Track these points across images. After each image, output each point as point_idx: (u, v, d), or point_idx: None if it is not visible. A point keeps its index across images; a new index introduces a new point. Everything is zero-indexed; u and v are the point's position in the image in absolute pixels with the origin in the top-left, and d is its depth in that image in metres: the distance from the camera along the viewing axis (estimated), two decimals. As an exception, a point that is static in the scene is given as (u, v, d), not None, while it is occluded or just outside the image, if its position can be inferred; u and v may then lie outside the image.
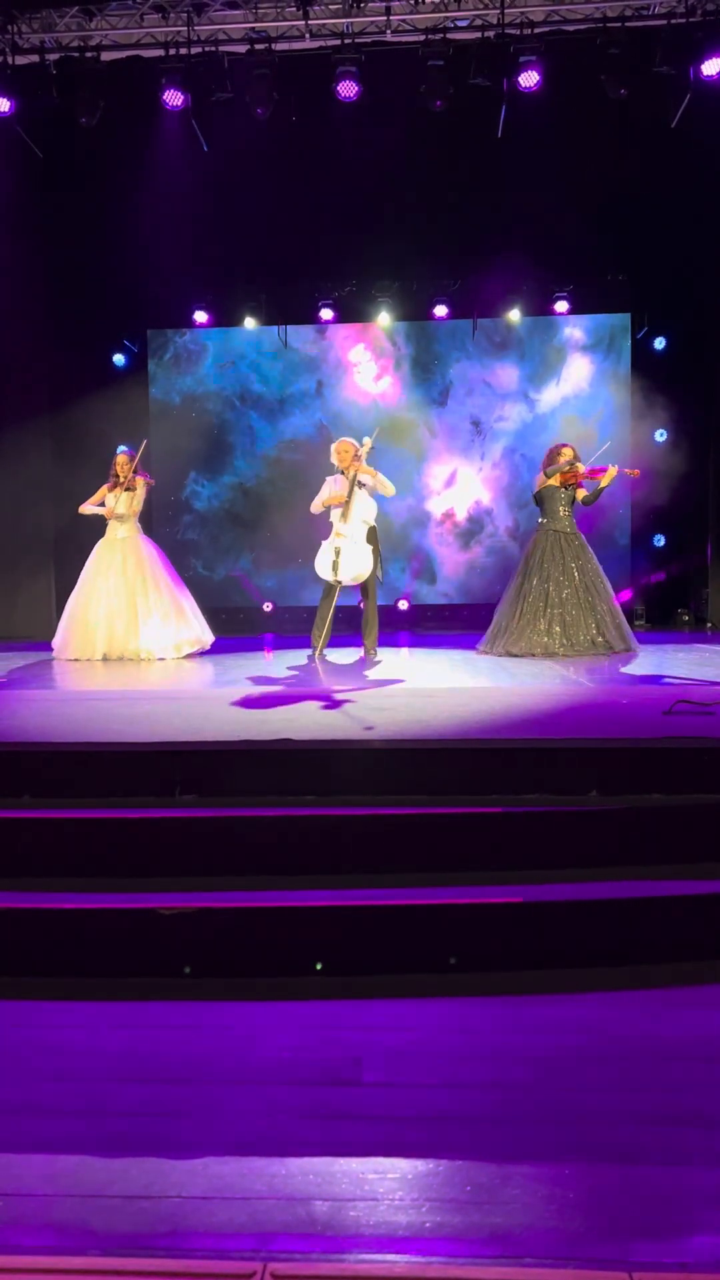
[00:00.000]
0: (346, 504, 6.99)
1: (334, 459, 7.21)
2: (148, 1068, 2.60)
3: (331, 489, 7.18)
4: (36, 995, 2.99)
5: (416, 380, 10.74)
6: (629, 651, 7.22)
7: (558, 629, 7.18)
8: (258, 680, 6.16)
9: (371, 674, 6.40)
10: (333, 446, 7.29)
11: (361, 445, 7.02)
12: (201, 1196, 2.07)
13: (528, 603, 7.30)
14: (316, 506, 7.24)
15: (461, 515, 10.78)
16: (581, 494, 7.45)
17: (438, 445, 10.76)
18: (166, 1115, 2.38)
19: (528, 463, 10.51)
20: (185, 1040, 2.74)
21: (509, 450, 10.66)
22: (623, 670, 6.36)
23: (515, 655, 7.13)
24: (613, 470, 7.33)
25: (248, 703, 5.04)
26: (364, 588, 7.27)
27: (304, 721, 4.38)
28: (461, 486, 10.78)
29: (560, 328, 10.54)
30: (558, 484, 7.40)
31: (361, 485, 7.05)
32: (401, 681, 5.96)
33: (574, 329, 10.52)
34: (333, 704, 4.94)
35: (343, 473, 7.11)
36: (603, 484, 7.38)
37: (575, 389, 10.53)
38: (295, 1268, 1.86)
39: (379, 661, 7.23)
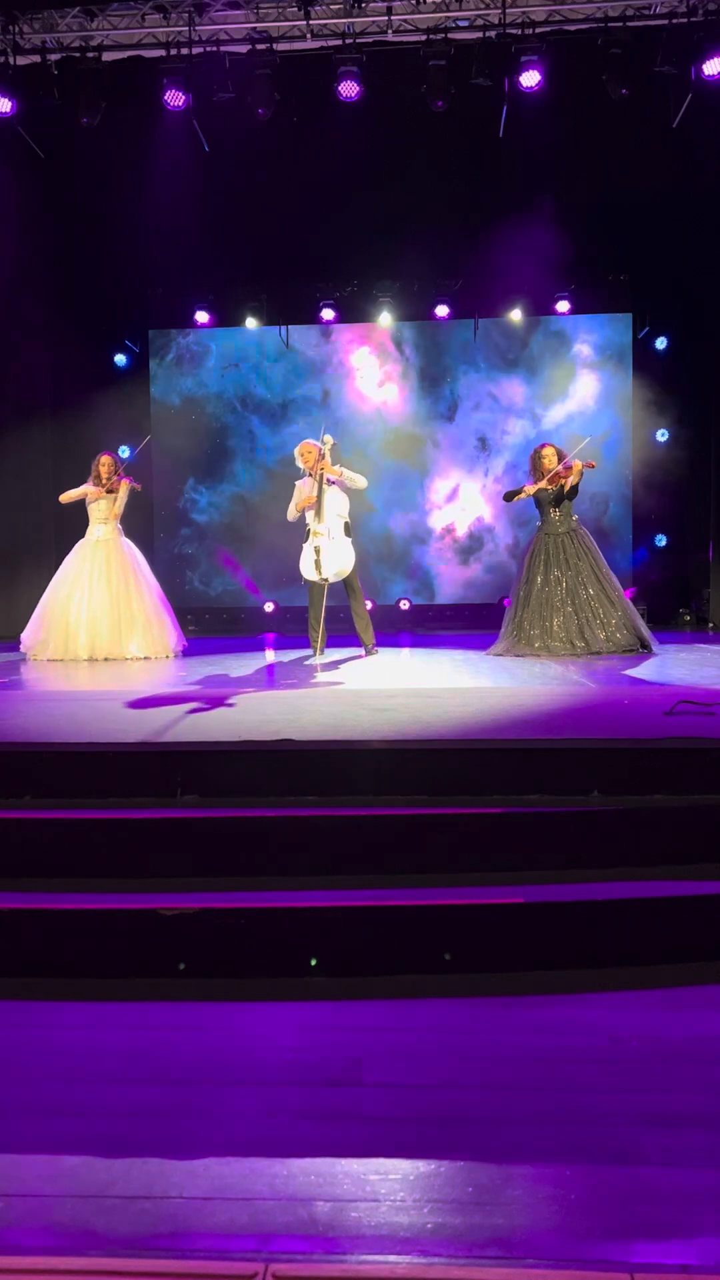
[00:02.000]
0: (318, 503, 7.05)
1: (298, 462, 7.31)
2: (149, 1068, 2.60)
3: (301, 492, 7.28)
4: (37, 995, 2.99)
5: (424, 393, 10.70)
6: (643, 650, 7.21)
7: (558, 629, 7.24)
8: (259, 681, 6.16)
9: (371, 674, 6.40)
10: (295, 450, 7.37)
11: (323, 444, 7.08)
12: (203, 1197, 2.07)
13: (529, 605, 7.37)
14: (291, 513, 7.37)
15: (462, 531, 10.75)
16: (565, 489, 7.50)
17: (442, 460, 10.72)
18: (168, 1116, 2.38)
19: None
20: (186, 1041, 2.74)
21: (511, 466, 10.61)
22: (624, 671, 6.36)
23: (520, 656, 7.18)
24: (577, 465, 7.43)
25: (245, 703, 5.04)
26: (348, 585, 7.29)
27: (305, 722, 4.38)
28: (463, 502, 10.74)
29: (571, 344, 10.50)
30: (548, 487, 7.45)
31: (331, 483, 7.11)
32: (402, 682, 5.96)
33: (583, 345, 10.49)
34: (332, 704, 4.94)
35: (309, 474, 7.19)
36: (573, 481, 7.45)
37: (581, 406, 10.50)
38: (297, 1268, 1.86)
39: (378, 657, 7.25)
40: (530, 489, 7.55)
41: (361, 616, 7.41)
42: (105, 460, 7.88)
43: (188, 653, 7.88)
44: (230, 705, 4.97)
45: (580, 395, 10.54)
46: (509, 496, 7.73)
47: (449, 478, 10.75)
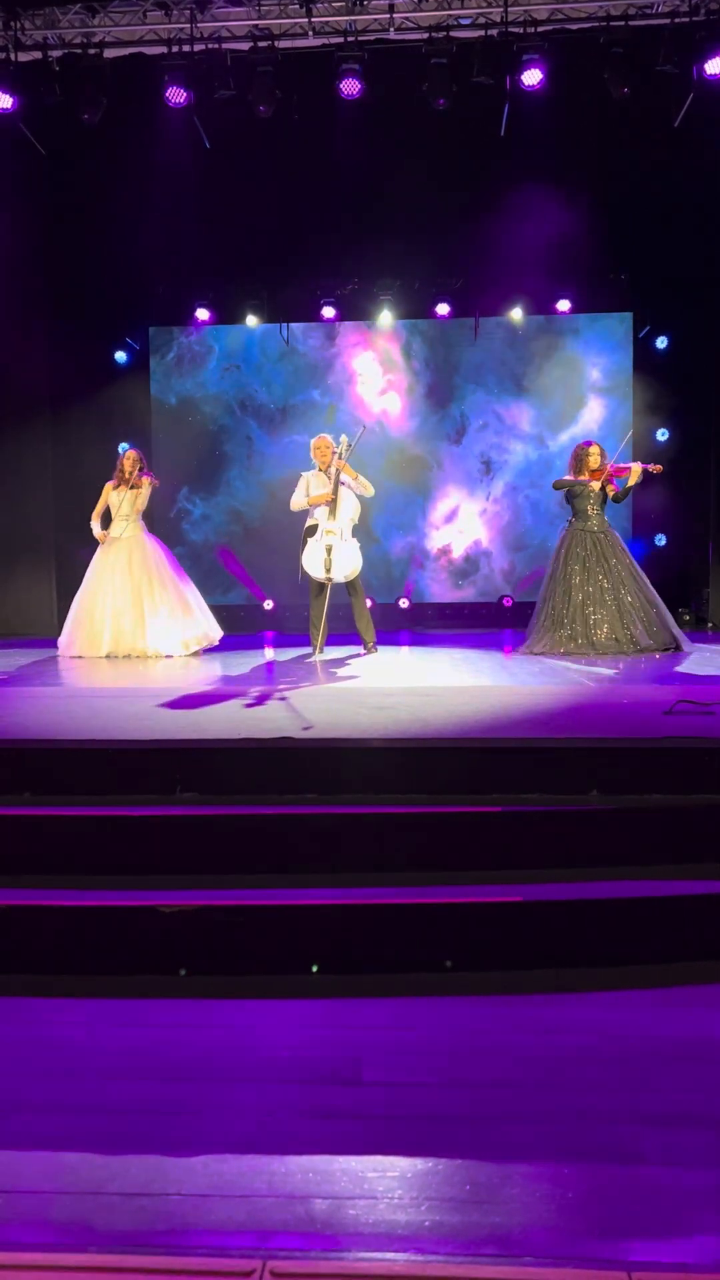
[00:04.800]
0: (333, 502, 7.04)
1: (312, 455, 7.31)
2: (148, 1065, 2.60)
3: (309, 484, 7.27)
4: (37, 993, 3.00)
5: (430, 411, 10.63)
6: (676, 649, 7.17)
7: (605, 627, 7.14)
8: (259, 679, 6.16)
9: (371, 672, 6.40)
10: (311, 443, 7.36)
11: (339, 444, 7.07)
12: (201, 1194, 2.07)
13: (570, 603, 7.23)
14: (298, 504, 7.32)
15: (458, 553, 10.69)
16: (611, 491, 7.44)
17: (445, 482, 10.64)
18: (166, 1113, 2.39)
19: (530, 503, 10.47)
20: (185, 1038, 2.74)
21: (511, 488, 10.53)
22: (624, 669, 6.36)
23: (570, 654, 7.05)
24: (637, 468, 7.37)
25: (244, 701, 5.04)
26: (350, 584, 7.29)
27: (304, 720, 4.37)
28: (461, 523, 10.66)
29: (585, 371, 10.45)
30: (592, 482, 7.38)
31: (343, 483, 7.11)
32: (402, 680, 5.96)
33: (593, 367, 10.44)
34: (332, 702, 4.94)
35: (322, 470, 7.19)
36: (630, 482, 7.39)
37: (584, 430, 10.44)
38: (294, 1265, 1.86)
39: (378, 655, 7.24)
40: (608, 467, 7.38)
41: (363, 615, 7.41)
42: (130, 455, 7.85)
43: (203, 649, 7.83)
44: (242, 705, 4.97)
45: (585, 421, 10.47)
46: (562, 484, 7.52)
47: (450, 498, 10.69)
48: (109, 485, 7.80)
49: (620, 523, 10.44)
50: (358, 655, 7.31)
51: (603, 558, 7.30)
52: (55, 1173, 2.16)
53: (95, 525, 7.81)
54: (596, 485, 7.36)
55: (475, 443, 10.60)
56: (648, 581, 7.40)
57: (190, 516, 10.78)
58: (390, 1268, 1.86)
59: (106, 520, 7.86)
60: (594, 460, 7.41)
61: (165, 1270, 1.85)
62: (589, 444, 7.54)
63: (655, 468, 7.47)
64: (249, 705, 4.90)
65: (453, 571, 10.70)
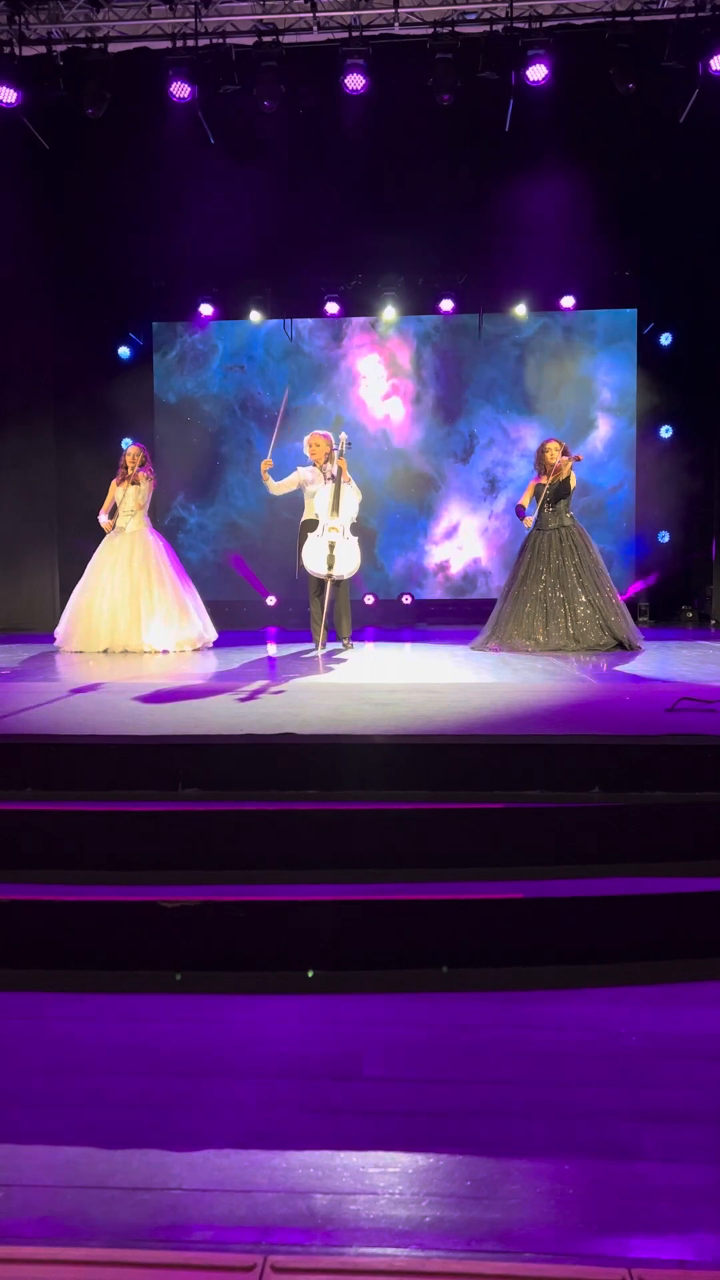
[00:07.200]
0: (335, 499, 7.06)
1: (307, 452, 7.36)
2: (149, 1060, 2.61)
3: (302, 475, 7.35)
4: (38, 987, 3.00)
5: (437, 425, 10.60)
6: (632, 649, 7.21)
7: (524, 623, 7.28)
8: (261, 675, 6.16)
9: (373, 668, 6.40)
10: (306, 440, 7.40)
11: (339, 442, 7.09)
12: (202, 1189, 2.07)
13: (506, 600, 7.43)
14: (274, 489, 7.43)
15: (456, 570, 10.68)
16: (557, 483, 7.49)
17: (447, 497, 10.63)
18: (168, 1108, 2.39)
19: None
20: (186, 1033, 2.75)
21: (512, 503, 10.55)
22: (625, 668, 6.35)
23: (510, 651, 7.19)
24: (566, 461, 7.40)
25: (246, 697, 5.05)
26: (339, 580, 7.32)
27: (306, 716, 4.37)
28: (461, 539, 10.65)
29: (598, 393, 10.45)
30: (545, 483, 7.44)
31: (333, 478, 7.14)
32: (404, 676, 5.96)
33: (604, 388, 10.44)
34: (334, 698, 4.94)
35: (316, 467, 7.22)
36: (563, 475, 7.42)
37: (591, 447, 10.41)
38: (295, 1260, 1.87)
39: (379, 651, 7.25)
40: (529, 490, 7.56)
41: (344, 610, 7.45)
42: (132, 451, 7.87)
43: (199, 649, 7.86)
44: (234, 700, 4.97)
45: (593, 440, 10.45)
46: (520, 509, 7.60)
47: (452, 514, 10.68)
48: (114, 482, 7.83)
49: (623, 520, 10.47)
50: (357, 651, 7.32)
51: (549, 557, 7.38)
52: (56, 1166, 2.17)
53: (102, 517, 7.84)
54: (547, 481, 7.41)
55: (481, 460, 10.58)
56: (604, 582, 7.44)
57: (185, 524, 10.77)
58: (391, 1263, 1.87)
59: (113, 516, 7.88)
60: (552, 455, 7.48)
61: (166, 1264, 1.86)
62: (548, 440, 7.63)
63: (576, 457, 7.53)
64: (251, 701, 4.90)
65: (449, 588, 10.70)
